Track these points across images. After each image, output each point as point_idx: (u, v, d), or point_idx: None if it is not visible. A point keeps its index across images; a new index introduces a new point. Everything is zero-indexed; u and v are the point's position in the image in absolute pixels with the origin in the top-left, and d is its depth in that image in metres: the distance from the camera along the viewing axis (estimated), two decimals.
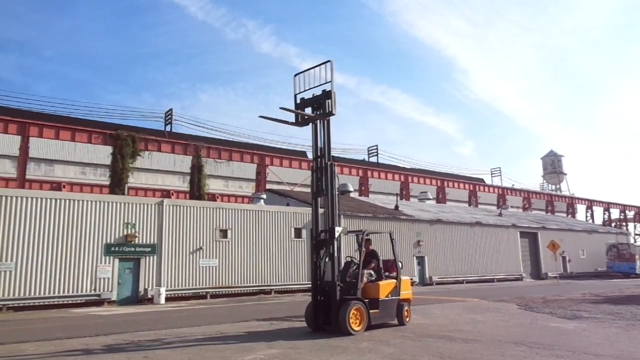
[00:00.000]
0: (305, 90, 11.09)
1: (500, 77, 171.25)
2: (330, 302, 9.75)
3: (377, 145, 58.34)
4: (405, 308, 11.01)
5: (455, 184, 52.62)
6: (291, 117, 11.19)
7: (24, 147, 31.25)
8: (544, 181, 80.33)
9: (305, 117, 10.94)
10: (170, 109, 48.27)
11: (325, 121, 10.71)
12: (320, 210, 10.65)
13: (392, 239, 11.42)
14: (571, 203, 65.42)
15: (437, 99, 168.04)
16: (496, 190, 58.14)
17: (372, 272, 10.65)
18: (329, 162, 10.51)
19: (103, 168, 39.13)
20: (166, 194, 40.34)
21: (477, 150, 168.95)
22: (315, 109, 10.93)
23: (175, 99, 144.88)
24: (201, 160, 36.29)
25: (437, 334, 9.67)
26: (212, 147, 37.36)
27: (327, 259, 10.02)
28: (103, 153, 36.85)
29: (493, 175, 72.14)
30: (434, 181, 50.98)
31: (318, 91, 10.89)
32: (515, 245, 38.43)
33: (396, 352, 7.73)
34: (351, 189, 39.37)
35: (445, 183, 51.37)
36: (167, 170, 47.22)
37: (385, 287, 10.50)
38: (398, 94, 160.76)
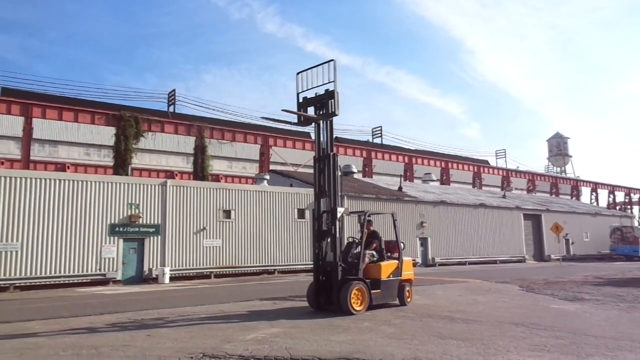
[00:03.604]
0: (308, 90, 10.97)
1: (508, 58, 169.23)
2: (332, 283, 9.81)
3: (381, 127, 58.08)
4: (407, 288, 11.07)
5: (460, 166, 52.43)
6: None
7: (28, 128, 31.29)
8: (549, 163, 79.96)
9: (308, 118, 10.88)
10: (173, 90, 48.00)
11: (328, 121, 10.60)
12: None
13: (394, 220, 11.43)
14: (576, 185, 65.20)
15: (444, 80, 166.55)
16: (501, 172, 57.93)
17: (374, 253, 10.68)
18: (331, 153, 10.43)
19: (107, 149, 39.13)
20: (170, 174, 40.41)
21: (482, 132, 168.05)
22: (318, 109, 10.81)
23: (179, 80, 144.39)
24: (204, 141, 36.27)
25: (438, 314, 9.72)
26: (216, 128, 37.29)
27: (328, 240, 10.05)
28: (107, 134, 36.81)
29: (498, 157, 71.72)
30: (438, 162, 50.82)
31: (321, 90, 10.74)
32: (519, 227, 38.46)
33: (397, 332, 7.79)
34: (355, 170, 39.27)
35: (450, 164, 51.19)
36: (170, 151, 47.22)
37: (386, 267, 10.54)
38: (404, 74, 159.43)
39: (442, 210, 33.65)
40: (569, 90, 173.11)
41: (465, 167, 53.47)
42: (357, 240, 10.72)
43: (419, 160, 48.94)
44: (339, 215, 10.01)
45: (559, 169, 78.59)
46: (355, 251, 10.47)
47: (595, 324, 8.59)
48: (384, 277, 10.38)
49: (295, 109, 11.01)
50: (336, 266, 9.72)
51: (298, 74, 11.09)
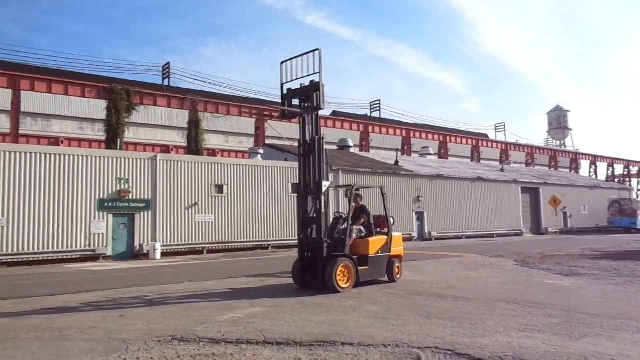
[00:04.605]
0: (292, 80, 10.37)
1: (509, 30, 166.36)
2: (317, 259, 9.41)
3: (379, 100, 57.11)
4: (396, 264, 10.69)
5: (458, 139, 51.81)
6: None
7: (16, 101, 30.61)
8: (549, 137, 79.24)
9: (293, 113, 10.36)
10: (168, 63, 46.99)
11: (314, 115, 10.02)
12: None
13: (383, 194, 10.95)
14: (575, 158, 64.68)
15: (444, 54, 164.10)
16: (499, 145, 57.34)
17: (362, 228, 10.25)
18: (317, 136, 9.85)
19: (101, 123, 38.47)
20: (166, 149, 39.89)
21: (482, 106, 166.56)
22: (303, 101, 10.22)
23: (177, 54, 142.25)
24: (198, 115, 35.58)
25: (428, 291, 9.36)
26: (210, 102, 36.56)
27: (314, 215, 9.61)
28: (100, 108, 36.14)
29: (497, 130, 70.95)
30: (436, 136, 50.17)
31: (306, 81, 10.13)
32: (516, 201, 38.13)
33: (381, 311, 7.41)
34: (351, 144, 38.69)
35: (448, 138, 50.58)
36: (166, 126, 46.54)
37: (375, 243, 10.13)
38: (404, 48, 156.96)
39: (439, 184, 33.22)
40: (571, 63, 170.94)
41: (464, 140, 52.86)
42: (344, 216, 10.28)
43: (417, 134, 48.28)
44: (324, 189, 9.53)
45: (558, 142, 77.91)
46: (342, 227, 10.03)
47: (591, 301, 8.23)
48: (372, 253, 9.98)
49: (280, 100, 10.56)
50: (321, 242, 9.30)
51: (282, 63, 10.47)
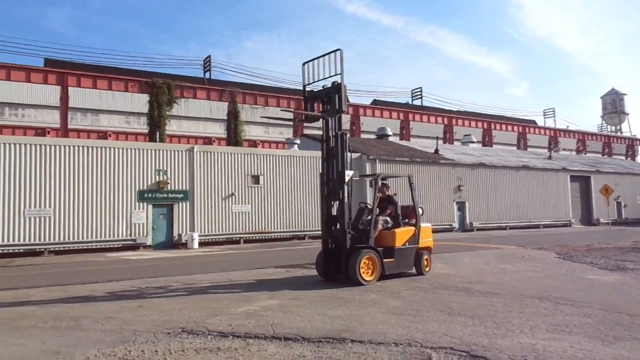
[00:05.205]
0: (315, 82, 10.17)
1: (560, 10, 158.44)
2: (341, 251, 9.17)
3: (421, 88, 55.81)
4: (425, 257, 10.27)
5: (504, 126, 49.94)
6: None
7: (65, 97, 31.96)
8: (603, 122, 75.02)
9: (314, 117, 10.19)
10: (209, 56, 47.73)
11: (336, 117, 9.73)
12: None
13: (410, 183, 10.52)
14: (631, 144, 61.06)
15: (490, 38, 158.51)
16: (548, 132, 54.86)
17: (388, 219, 9.89)
18: (339, 132, 9.57)
19: (145, 117, 39.63)
20: (208, 141, 40.61)
21: (531, 91, 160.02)
22: (325, 103, 10.00)
23: (220, 47, 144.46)
24: (237, 106, 35.95)
25: (456, 285, 8.92)
26: (248, 93, 36.87)
27: (338, 214, 9.36)
28: (144, 102, 37.12)
29: (546, 116, 67.94)
30: (480, 123, 48.56)
31: (328, 82, 9.87)
32: (565, 190, 36.30)
33: (402, 306, 7.09)
34: (390, 132, 38.00)
35: (493, 125, 48.85)
36: (207, 118, 47.32)
37: (401, 234, 9.76)
38: (447, 33, 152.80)
39: (481, 172, 32.09)
40: (627, 44, 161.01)
41: (510, 127, 50.92)
42: (369, 206, 9.96)
43: (460, 122, 46.93)
44: (347, 178, 9.24)
45: (613, 127, 73.65)
46: (367, 218, 9.72)
47: (634, 300, 7.56)
48: (398, 244, 9.62)
49: (302, 102, 10.40)
50: (345, 233, 9.04)
51: (304, 64, 10.25)
